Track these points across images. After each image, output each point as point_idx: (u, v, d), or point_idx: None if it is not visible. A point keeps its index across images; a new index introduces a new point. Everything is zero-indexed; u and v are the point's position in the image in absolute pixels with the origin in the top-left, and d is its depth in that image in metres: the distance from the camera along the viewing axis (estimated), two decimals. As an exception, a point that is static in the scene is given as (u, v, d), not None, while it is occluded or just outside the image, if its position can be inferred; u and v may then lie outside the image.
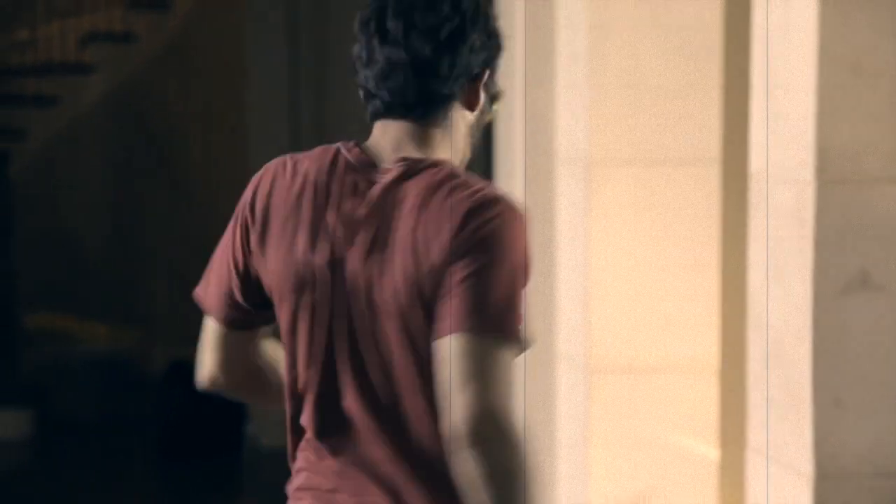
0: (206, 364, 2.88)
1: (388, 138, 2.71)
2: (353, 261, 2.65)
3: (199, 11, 9.90)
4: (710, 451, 4.34)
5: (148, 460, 8.42)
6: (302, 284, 2.67)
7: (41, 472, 8.41)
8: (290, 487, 2.79)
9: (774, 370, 3.68)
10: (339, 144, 2.75)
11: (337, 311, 2.66)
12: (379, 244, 2.65)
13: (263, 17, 8.48)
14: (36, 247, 9.58)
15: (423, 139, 2.70)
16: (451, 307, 2.57)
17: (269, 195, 2.79)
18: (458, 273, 2.58)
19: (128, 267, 10.25)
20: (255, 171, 8.55)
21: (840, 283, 3.48)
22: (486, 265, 2.58)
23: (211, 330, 2.84)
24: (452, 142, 2.73)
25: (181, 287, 10.29)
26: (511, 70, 5.52)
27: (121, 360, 9.59)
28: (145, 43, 10.24)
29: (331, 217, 2.69)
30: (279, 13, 8.44)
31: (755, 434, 3.78)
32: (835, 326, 3.48)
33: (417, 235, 2.61)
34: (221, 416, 8.43)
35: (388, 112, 2.69)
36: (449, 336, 2.54)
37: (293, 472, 2.79)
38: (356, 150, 2.73)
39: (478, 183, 2.66)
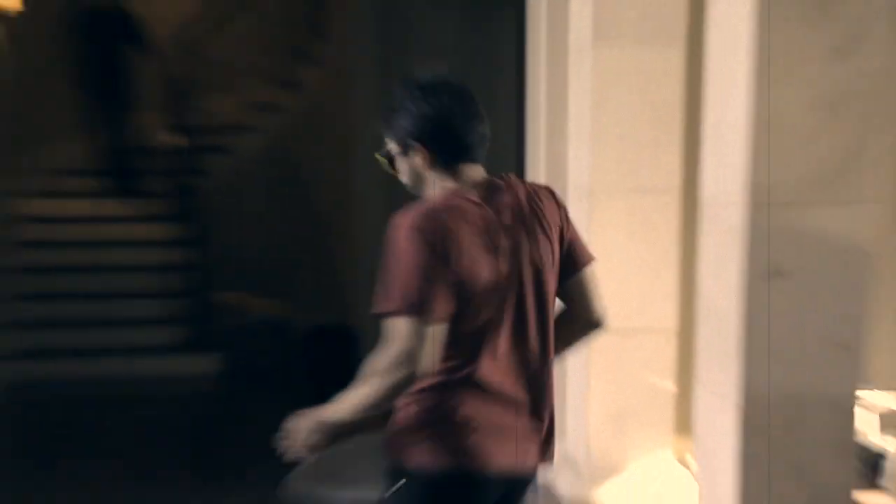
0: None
1: (474, 173, 2.91)
2: (527, 253, 2.85)
3: (321, 90, 10.02)
4: (669, 385, 4.40)
5: (294, 385, 8.50)
6: (498, 282, 2.78)
7: (229, 393, 8.64)
8: (454, 415, 2.79)
9: (714, 331, 3.75)
10: (456, 189, 2.89)
11: (524, 291, 2.85)
12: (532, 234, 2.87)
13: (364, 91, 8.52)
14: (220, 248, 9.67)
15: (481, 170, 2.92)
16: (579, 252, 3.06)
17: (445, 235, 2.75)
18: (570, 233, 3.02)
19: (281, 261, 10.35)
20: (361, 196, 8.64)
21: (761, 272, 3.52)
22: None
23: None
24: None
25: (315, 276, 10.41)
26: (536, 119, 5.62)
27: (277, 323, 9.70)
28: (287, 111, 10.32)
29: (498, 232, 2.81)
30: (374, 89, 8.46)
31: (700, 374, 3.84)
32: (756, 301, 3.57)
33: (548, 219, 2.92)
34: (345, 359, 8.61)
35: (476, 159, 2.90)
36: (584, 268, 3.07)
37: (445, 402, 2.81)
38: (473, 191, 2.88)
39: None
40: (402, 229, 2.77)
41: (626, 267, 4.60)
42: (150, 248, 9.25)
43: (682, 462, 5.29)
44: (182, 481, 6.09)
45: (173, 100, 9.84)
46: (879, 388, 4.76)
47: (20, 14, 9.07)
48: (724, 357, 3.68)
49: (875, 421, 4.42)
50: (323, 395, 8.70)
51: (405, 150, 2.93)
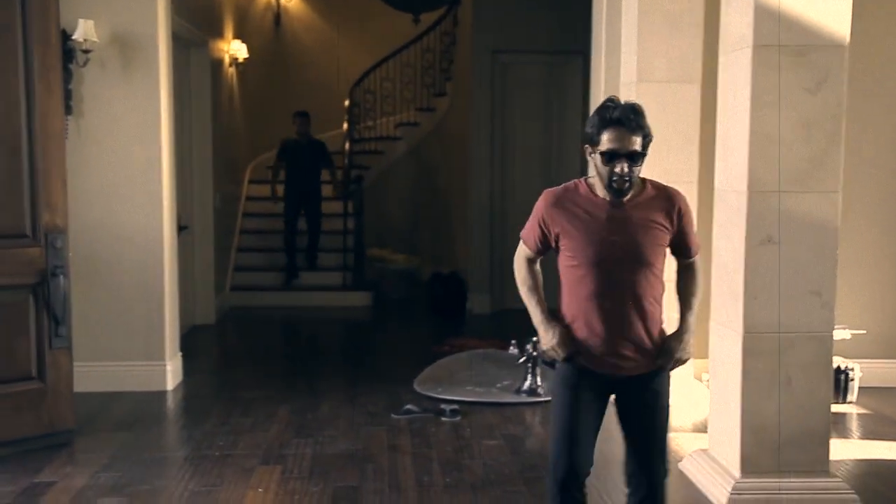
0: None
1: None
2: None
3: (446, 113, 10.02)
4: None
5: (421, 317, 8.52)
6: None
7: (376, 318, 8.60)
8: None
9: (724, 281, 3.62)
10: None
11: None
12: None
13: (477, 113, 8.45)
14: (372, 218, 9.73)
15: None
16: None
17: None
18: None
19: (413, 228, 10.42)
20: (475, 183, 8.42)
21: (757, 240, 3.40)
22: None
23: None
24: None
25: (435, 238, 10.33)
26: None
27: (409, 271, 9.73)
28: (423, 126, 10.30)
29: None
30: (483, 112, 8.35)
31: (713, 312, 3.73)
32: (754, 261, 3.43)
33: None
34: (454, 297, 8.60)
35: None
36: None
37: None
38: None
39: None
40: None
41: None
42: (333, 218, 9.31)
43: (698, 378, 5.17)
44: (343, 373, 6.14)
45: (350, 121, 9.91)
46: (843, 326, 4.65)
47: (246, 60, 9.20)
48: (731, 300, 3.61)
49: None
50: (439, 319, 8.75)
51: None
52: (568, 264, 2.70)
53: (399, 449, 4.45)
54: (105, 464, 4.16)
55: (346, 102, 9.86)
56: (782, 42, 3.45)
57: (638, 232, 2.63)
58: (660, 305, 2.73)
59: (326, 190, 9.17)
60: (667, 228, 2.67)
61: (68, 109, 5.01)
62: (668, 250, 2.73)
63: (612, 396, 2.78)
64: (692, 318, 2.78)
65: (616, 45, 5.13)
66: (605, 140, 2.56)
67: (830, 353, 3.59)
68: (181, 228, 6.16)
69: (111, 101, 5.29)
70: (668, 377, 2.76)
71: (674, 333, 2.75)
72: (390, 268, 9.78)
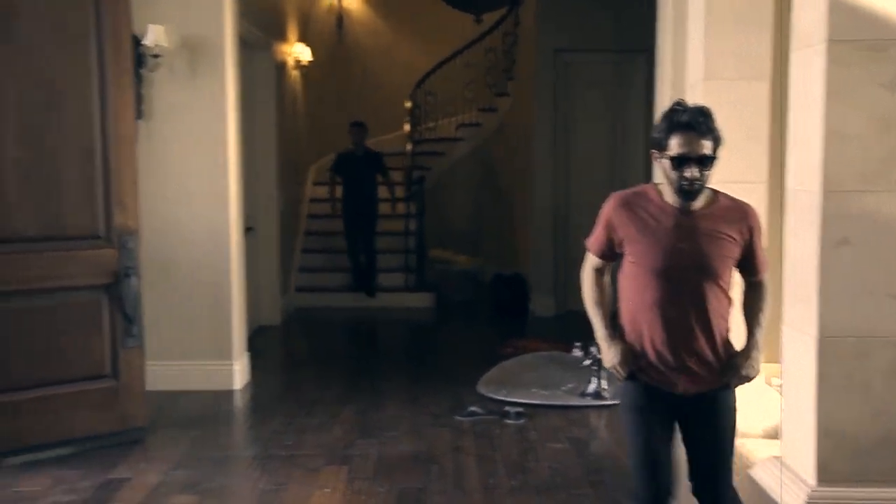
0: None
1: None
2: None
3: (509, 113, 9.99)
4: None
5: (483, 318, 8.53)
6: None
7: (438, 318, 8.65)
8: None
9: (797, 284, 3.54)
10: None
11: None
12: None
13: (540, 112, 8.42)
14: (434, 219, 9.74)
15: None
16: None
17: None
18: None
19: (475, 228, 10.41)
20: (538, 183, 8.37)
21: (832, 241, 3.31)
22: None
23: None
24: None
25: (497, 239, 10.30)
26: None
27: (471, 272, 9.74)
28: (485, 126, 10.29)
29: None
30: (547, 112, 8.30)
31: (786, 315, 3.66)
32: (828, 263, 3.38)
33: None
34: (516, 298, 8.64)
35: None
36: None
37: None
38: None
39: None
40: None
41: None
42: (393, 219, 9.34)
43: (767, 383, 5.06)
44: (406, 374, 6.17)
45: (412, 122, 9.96)
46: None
47: (309, 62, 9.30)
48: (805, 303, 3.52)
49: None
50: (501, 321, 8.73)
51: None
52: (631, 271, 2.65)
53: (463, 451, 4.45)
54: (177, 461, 4.25)
55: (408, 104, 9.91)
56: (857, 37, 3.35)
57: (706, 242, 2.56)
58: (726, 320, 2.66)
59: (384, 207, 9.01)
60: (735, 241, 2.59)
61: (139, 113, 5.12)
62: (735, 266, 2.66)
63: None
64: (760, 335, 2.71)
65: (682, 43, 5.05)
66: (674, 144, 2.50)
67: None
68: (247, 230, 6.26)
69: (180, 105, 5.40)
70: (734, 394, 2.69)
71: (741, 350, 2.68)
72: (452, 269, 9.79)
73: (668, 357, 2.60)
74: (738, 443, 2.75)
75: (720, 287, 2.60)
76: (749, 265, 2.68)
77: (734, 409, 2.69)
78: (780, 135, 4.48)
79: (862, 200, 3.40)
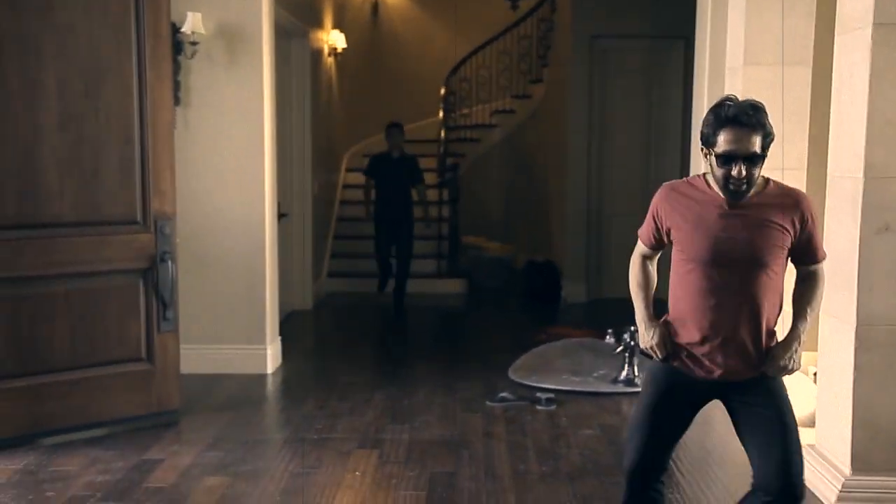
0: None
1: None
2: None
3: (543, 99, 9.91)
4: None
5: (515, 304, 8.52)
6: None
7: (470, 304, 8.61)
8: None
9: (836, 271, 3.48)
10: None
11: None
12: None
13: (575, 99, 8.34)
14: (468, 206, 9.73)
15: None
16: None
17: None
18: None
19: (508, 215, 10.39)
20: (572, 171, 8.29)
21: (874, 228, 3.25)
22: None
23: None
24: None
25: (530, 226, 10.25)
26: (698, 122, 5.35)
27: (503, 259, 9.71)
28: (519, 113, 10.25)
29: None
30: (581, 99, 8.22)
31: (824, 303, 3.59)
32: (869, 250, 3.32)
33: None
34: (549, 285, 8.61)
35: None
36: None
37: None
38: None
39: None
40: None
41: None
42: (429, 206, 9.30)
43: (804, 372, 4.99)
44: (438, 360, 6.15)
45: (446, 109, 9.93)
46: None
47: (344, 50, 9.30)
48: (844, 291, 3.46)
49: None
50: (533, 308, 8.67)
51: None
52: (679, 259, 2.60)
53: (494, 436, 4.44)
54: (209, 444, 4.28)
55: (442, 91, 9.89)
56: (903, 20, 3.28)
57: (754, 231, 2.47)
58: (774, 312, 2.57)
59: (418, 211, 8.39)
60: (787, 231, 2.49)
61: (176, 100, 5.15)
62: (787, 256, 2.56)
63: (721, 404, 2.66)
64: (804, 327, 2.60)
65: (721, 28, 4.98)
66: (722, 141, 2.41)
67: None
68: (281, 216, 6.28)
69: (217, 92, 5.41)
70: (781, 381, 2.60)
71: (782, 341, 2.58)
72: (485, 255, 9.76)
73: (711, 345, 2.54)
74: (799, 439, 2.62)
75: (769, 277, 2.51)
76: (804, 255, 2.58)
77: (785, 393, 2.58)
78: (819, 122, 4.40)
79: (899, 186, 3.34)
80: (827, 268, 2.69)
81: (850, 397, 3.42)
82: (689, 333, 2.59)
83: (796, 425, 2.57)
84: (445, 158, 9.54)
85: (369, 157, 7.97)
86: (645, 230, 2.74)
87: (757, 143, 2.40)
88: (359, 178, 9.43)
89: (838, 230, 3.52)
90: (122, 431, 4.39)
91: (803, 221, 2.52)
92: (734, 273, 2.50)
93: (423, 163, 8.40)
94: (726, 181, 2.43)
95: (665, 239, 2.68)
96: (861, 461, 3.45)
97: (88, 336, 4.33)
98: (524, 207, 10.31)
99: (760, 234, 2.48)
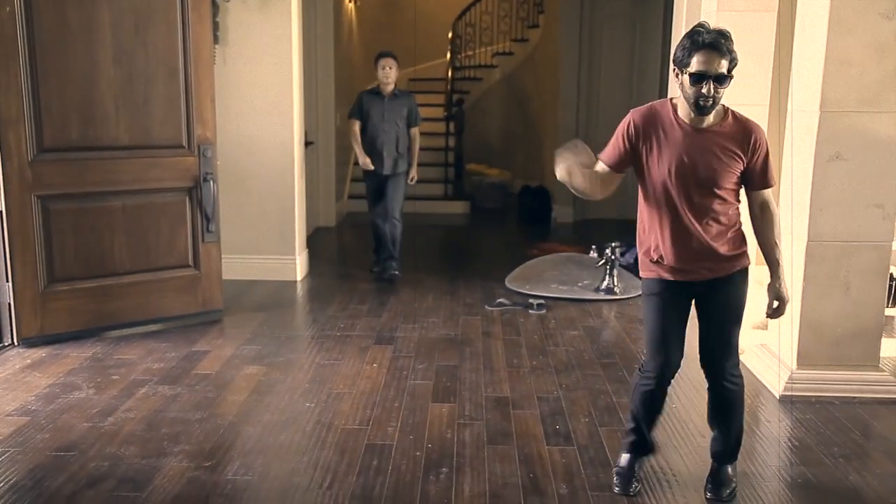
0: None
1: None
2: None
3: (539, 43, 9.75)
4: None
5: (512, 224, 8.51)
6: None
7: (472, 224, 8.50)
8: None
9: (793, 194, 3.45)
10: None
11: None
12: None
13: (566, 42, 8.19)
14: (470, 138, 9.68)
15: None
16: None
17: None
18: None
19: (506, 145, 10.33)
20: (564, 105, 8.18)
21: (826, 156, 3.23)
22: None
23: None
24: None
25: (525, 155, 10.15)
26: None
27: (502, 184, 9.68)
28: (517, 55, 10.07)
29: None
30: (571, 42, 8.06)
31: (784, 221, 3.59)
32: (822, 176, 3.27)
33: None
34: (541, 207, 8.61)
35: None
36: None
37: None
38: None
39: None
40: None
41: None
42: (434, 137, 9.25)
43: (759, 283, 5.02)
44: (444, 272, 6.20)
45: (453, 51, 9.77)
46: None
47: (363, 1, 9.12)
48: (799, 210, 3.46)
49: None
50: (527, 227, 8.58)
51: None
52: (646, 180, 2.58)
53: (492, 335, 4.50)
54: (248, 338, 4.35)
55: (450, 34, 9.71)
56: (862, -30, 3.20)
57: (713, 156, 2.47)
58: (733, 223, 2.57)
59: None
60: (740, 157, 2.49)
61: (215, 39, 5.07)
62: (738, 179, 2.54)
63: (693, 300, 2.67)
64: (782, 259, 2.61)
65: (699, -22, 4.86)
66: (695, 62, 2.39)
67: (888, 261, 3.42)
68: (308, 143, 6.24)
69: (250, 32, 5.32)
70: (745, 282, 2.62)
71: (777, 280, 2.58)
72: (486, 181, 9.73)
73: (679, 257, 2.56)
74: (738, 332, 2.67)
75: (726, 193, 2.52)
76: (756, 179, 2.55)
77: (744, 296, 2.63)
78: (781, 63, 4.34)
79: (856, 120, 3.30)
80: (784, 192, 2.68)
81: (799, 303, 3.47)
82: (661, 247, 2.59)
83: (741, 322, 2.65)
84: (452, 95, 9.43)
85: (357, 96, 5.74)
86: (610, 151, 2.62)
87: (724, 66, 2.40)
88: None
89: (797, 158, 3.50)
90: (173, 327, 4.47)
91: (755, 149, 2.51)
92: (695, 191, 2.50)
93: (432, 99, 8.26)
94: (696, 98, 2.42)
95: (629, 160, 2.60)
96: (805, 358, 3.52)
97: (143, 245, 4.37)
98: (521, 138, 10.22)
99: (719, 159, 2.48)
